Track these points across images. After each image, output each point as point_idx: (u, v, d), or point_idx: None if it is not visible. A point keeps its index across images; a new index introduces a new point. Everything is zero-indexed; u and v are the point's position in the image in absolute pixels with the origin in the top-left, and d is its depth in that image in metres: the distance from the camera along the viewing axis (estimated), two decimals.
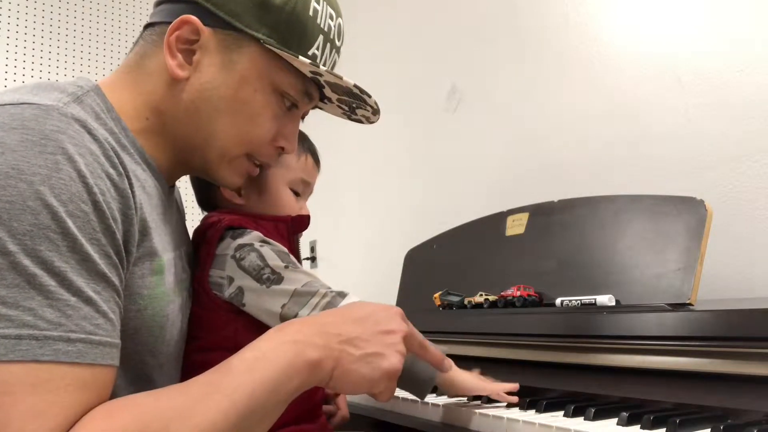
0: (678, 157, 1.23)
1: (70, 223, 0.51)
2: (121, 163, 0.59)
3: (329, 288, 0.79)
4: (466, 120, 1.81)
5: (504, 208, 1.31)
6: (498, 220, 1.30)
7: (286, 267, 0.79)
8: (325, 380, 0.61)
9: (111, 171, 0.57)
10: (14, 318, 0.48)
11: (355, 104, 0.78)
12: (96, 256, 0.53)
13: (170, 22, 0.67)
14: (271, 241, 0.83)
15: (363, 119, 0.81)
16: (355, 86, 0.73)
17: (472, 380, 0.86)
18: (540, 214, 1.21)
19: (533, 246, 1.19)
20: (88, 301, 0.52)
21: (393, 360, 0.63)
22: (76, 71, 2.77)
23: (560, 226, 1.16)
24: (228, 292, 0.79)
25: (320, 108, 0.81)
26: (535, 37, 1.59)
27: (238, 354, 0.58)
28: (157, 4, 0.72)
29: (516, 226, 1.25)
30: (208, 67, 0.68)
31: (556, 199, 1.20)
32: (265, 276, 0.77)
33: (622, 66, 1.36)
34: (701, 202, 0.93)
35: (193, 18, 0.66)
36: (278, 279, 0.77)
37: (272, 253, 0.79)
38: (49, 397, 0.48)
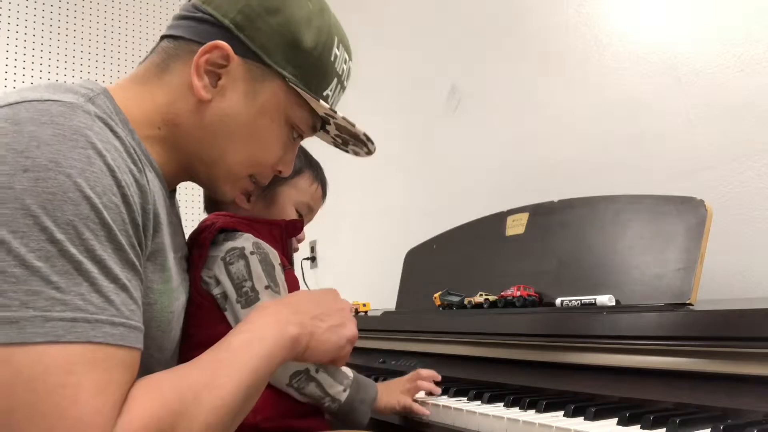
0: (678, 157, 1.24)
1: (105, 214, 0.54)
2: (139, 160, 0.62)
3: None
4: (466, 120, 1.81)
5: (504, 208, 1.31)
6: (498, 220, 1.30)
7: (267, 288, 0.83)
8: (302, 352, 0.70)
9: (132, 167, 0.60)
10: (68, 302, 0.50)
11: (352, 142, 0.83)
12: (127, 246, 0.56)
13: (199, 42, 0.69)
14: (262, 244, 0.86)
15: (352, 152, 0.86)
16: (364, 135, 0.79)
17: (386, 401, 0.94)
18: (540, 214, 1.21)
19: (533, 246, 1.19)
20: (124, 288, 0.55)
21: (352, 327, 0.77)
22: (77, 72, 2.77)
23: (560, 226, 1.16)
24: (215, 291, 0.83)
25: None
26: (536, 38, 1.59)
27: (233, 334, 0.64)
28: (179, 18, 0.73)
29: (516, 226, 1.25)
30: (231, 94, 0.71)
31: (556, 199, 1.20)
32: (244, 290, 0.82)
33: (622, 66, 1.36)
34: (701, 202, 0.93)
35: (226, 45, 0.69)
36: (254, 299, 0.82)
37: (259, 267, 0.83)
38: (107, 375, 0.51)
